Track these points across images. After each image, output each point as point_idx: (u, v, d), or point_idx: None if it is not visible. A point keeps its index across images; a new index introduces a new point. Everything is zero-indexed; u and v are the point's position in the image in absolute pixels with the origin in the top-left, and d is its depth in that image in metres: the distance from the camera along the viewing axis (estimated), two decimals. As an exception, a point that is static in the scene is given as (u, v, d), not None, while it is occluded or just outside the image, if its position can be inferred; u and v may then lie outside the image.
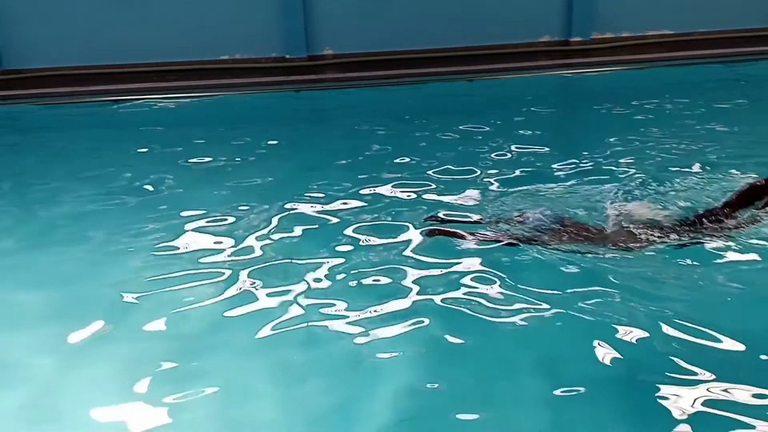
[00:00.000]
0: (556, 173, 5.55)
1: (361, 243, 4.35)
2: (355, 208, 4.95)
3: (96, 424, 2.99)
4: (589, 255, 4.00)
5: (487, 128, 6.89)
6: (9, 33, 9.37)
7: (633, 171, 5.43)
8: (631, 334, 3.34)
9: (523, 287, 3.73)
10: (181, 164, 6.17)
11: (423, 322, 3.52)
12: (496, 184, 5.31)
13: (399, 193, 5.22)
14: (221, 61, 9.73)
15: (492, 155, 6.06)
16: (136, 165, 6.18)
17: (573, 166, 5.72)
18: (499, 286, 3.77)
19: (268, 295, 3.81)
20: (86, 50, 9.48)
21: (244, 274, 4.04)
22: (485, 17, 10.05)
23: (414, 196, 5.15)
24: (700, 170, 5.37)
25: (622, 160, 5.75)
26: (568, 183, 5.24)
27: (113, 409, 3.07)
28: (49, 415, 3.07)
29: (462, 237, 4.26)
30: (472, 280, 3.86)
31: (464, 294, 3.73)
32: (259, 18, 9.73)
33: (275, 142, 6.84)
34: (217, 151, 6.49)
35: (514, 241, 4.16)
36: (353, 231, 4.53)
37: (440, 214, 4.72)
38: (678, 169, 5.46)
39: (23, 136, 7.74)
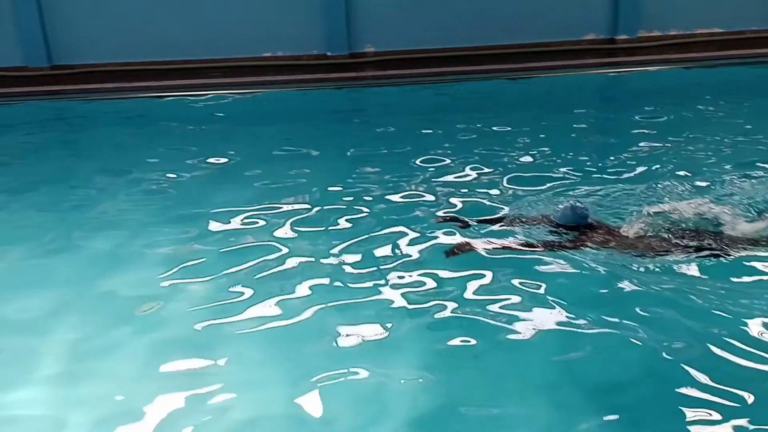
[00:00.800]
0: (594, 174, 5.43)
1: (387, 243, 4.32)
2: (385, 207, 4.92)
3: (115, 412, 3.06)
4: (624, 261, 3.90)
5: (527, 128, 6.80)
6: (58, 29, 9.63)
7: (675, 173, 5.29)
8: (659, 346, 3.23)
9: (550, 297, 3.62)
10: (219, 160, 6.23)
11: (447, 327, 3.48)
12: (531, 184, 5.20)
13: (431, 192, 5.18)
14: (264, 59, 9.82)
15: (528, 155, 5.96)
16: (172, 160, 6.27)
17: (612, 166, 5.61)
18: (522, 293, 3.68)
19: (289, 292, 3.82)
20: (133, 47, 9.68)
21: (267, 272, 4.05)
22: (529, 15, 9.94)
23: (446, 195, 5.10)
24: (747, 173, 5.19)
25: (664, 162, 5.61)
26: (606, 184, 5.11)
27: (132, 399, 3.12)
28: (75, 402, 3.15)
29: (491, 245, 4.15)
30: (496, 286, 3.78)
31: (485, 298, 3.67)
32: (302, 15, 9.79)
33: (312, 138, 6.87)
34: (255, 147, 6.58)
35: (540, 248, 4.04)
36: (380, 230, 4.50)
37: (446, 215, 4.63)
38: (723, 171, 5.30)
39: (70, 131, 7.94)
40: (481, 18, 9.90)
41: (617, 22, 10.02)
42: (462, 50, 9.88)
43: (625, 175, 5.33)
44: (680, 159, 5.71)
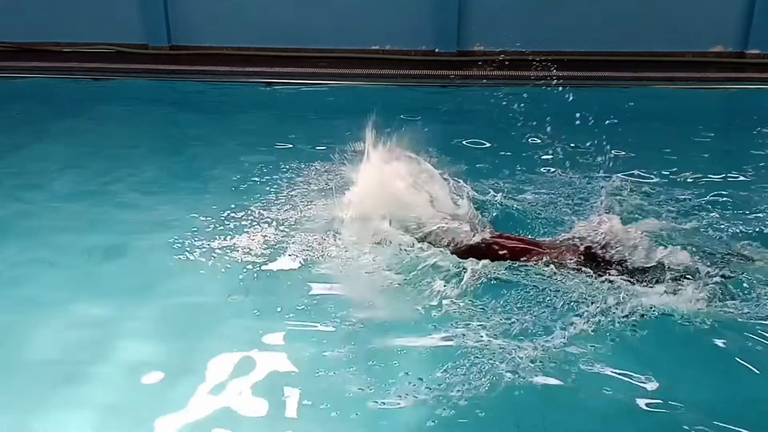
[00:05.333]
0: (705, 204, 5.06)
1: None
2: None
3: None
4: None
5: (632, 141, 6.41)
6: (179, 10, 9.99)
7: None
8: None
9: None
10: (308, 151, 6.30)
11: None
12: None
13: (520, 202, 5.02)
14: (371, 51, 9.82)
15: (621, 177, 5.66)
16: (266, 147, 6.51)
17: (724, 197, 5.22)
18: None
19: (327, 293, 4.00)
20: (246, 32, 9.92)
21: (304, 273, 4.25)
22: (651, 20, 9.43)
23: (533, 204, 4.93)
24: None
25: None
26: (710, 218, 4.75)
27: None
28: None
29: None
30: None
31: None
32: (413, 10, 9.70)
33: (405, 136, 6.80)
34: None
35: None
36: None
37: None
38: None
39: (181, 111, 8.24)
40: (599, 22, 9.47)
41: (749, 34, 9.33)
42: (576, 55, 9.49)
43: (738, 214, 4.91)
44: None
